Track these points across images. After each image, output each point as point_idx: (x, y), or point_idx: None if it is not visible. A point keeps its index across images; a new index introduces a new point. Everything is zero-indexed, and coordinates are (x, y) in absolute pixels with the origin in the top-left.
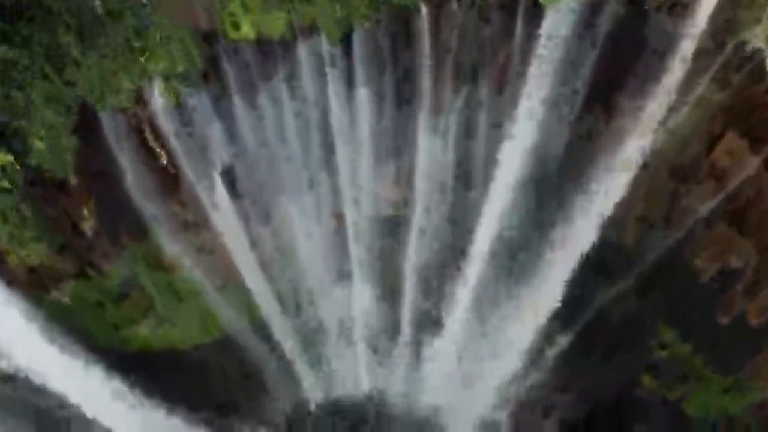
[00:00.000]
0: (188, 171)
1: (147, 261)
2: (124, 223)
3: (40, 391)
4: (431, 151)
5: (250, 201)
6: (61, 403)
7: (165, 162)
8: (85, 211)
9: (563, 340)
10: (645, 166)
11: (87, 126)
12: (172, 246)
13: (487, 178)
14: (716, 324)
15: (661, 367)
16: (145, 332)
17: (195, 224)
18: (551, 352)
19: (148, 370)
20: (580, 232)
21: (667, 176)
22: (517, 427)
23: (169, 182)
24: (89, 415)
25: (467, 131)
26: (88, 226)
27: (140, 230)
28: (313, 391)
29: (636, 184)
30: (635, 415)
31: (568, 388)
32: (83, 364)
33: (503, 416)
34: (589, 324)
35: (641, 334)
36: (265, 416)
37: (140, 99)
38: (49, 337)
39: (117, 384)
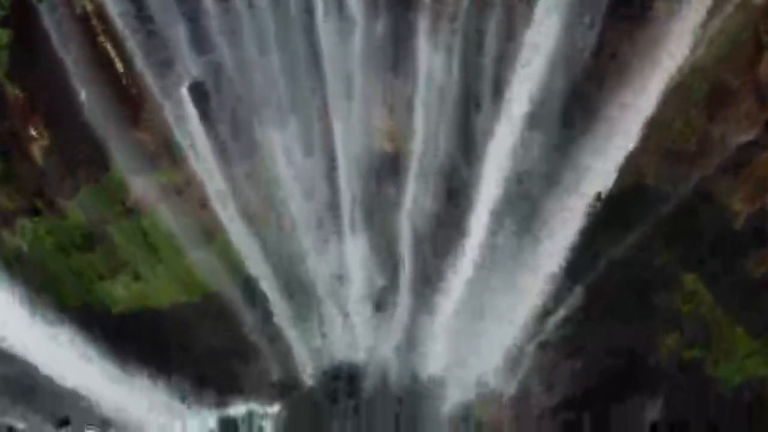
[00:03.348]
0: (151, 88)
1: (110, 202)
2: (80, 153)
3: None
4: (432, 68)
5: (226, 127)
6: (28, 370)
7: (123, 76)
8: (33, 131)
9: (572, 299)
10: (677, 87)
11: (25, 26)
12: (137, 183)
13: (497, 103)
14: (747, 278)
15: (682, 324)
16: (117, 290)
17: (164, 156)
18: (559, 312)
19: (123, 333)
20: (596, 172)
21: (701, 99)
22: (519, 397)
23: (130, 102)
24: (59, 382)
25: (475, 43)
26: (36, 149)
27: (100, 162)
28: (306, 357)
29: (664, 111)
30: (650, 381)
31: (576, 353)
32: (51, 326)
33: (507, 384)
34: (600, 279)
35: (660, 288)
36: (254, 384)
37: None
38: (9, 293)
39: (89, 347)
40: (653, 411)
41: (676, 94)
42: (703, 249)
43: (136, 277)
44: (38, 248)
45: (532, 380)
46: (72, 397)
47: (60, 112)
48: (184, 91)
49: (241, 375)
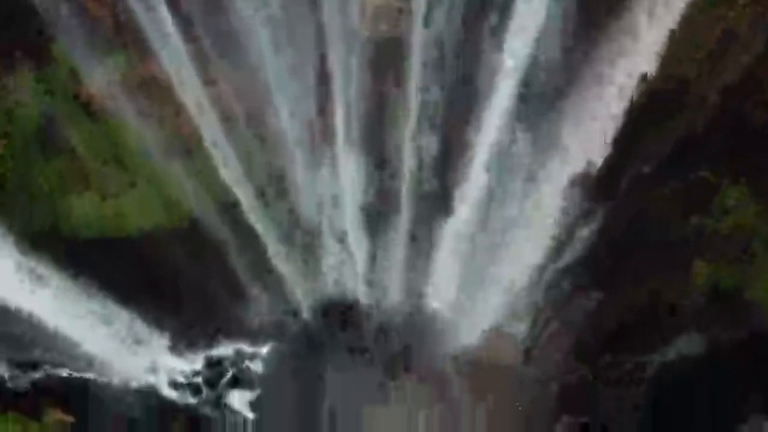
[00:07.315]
0: None
1: (60, 94)
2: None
3: None
4: None
5: (198, 11)
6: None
7: None
8: None
9: (594, 219)
10: None
11: None
12: (92, 73)
13: None
14: None
15: (719, 246)
16: (86, 208)
17: (123, 41)
18: (579, 235)
19: (95, 263)
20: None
21: None
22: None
23: None
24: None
25: None
26: None
27: (40, 42)
28: (299, 290)
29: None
30: (682, 316)
31: (597, 284)
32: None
33: (519, 321)
34: (628, 196)
35: (697, 205)
36: (242, 322)
37: None
38: None
39: (55, 275)
40: (692, 346)
41: None
42: (752, 156)
43: (106, 193)
44: None
45: (546, 317)
46: (43, 336)
47: None
48: None
49: (228, 312)
